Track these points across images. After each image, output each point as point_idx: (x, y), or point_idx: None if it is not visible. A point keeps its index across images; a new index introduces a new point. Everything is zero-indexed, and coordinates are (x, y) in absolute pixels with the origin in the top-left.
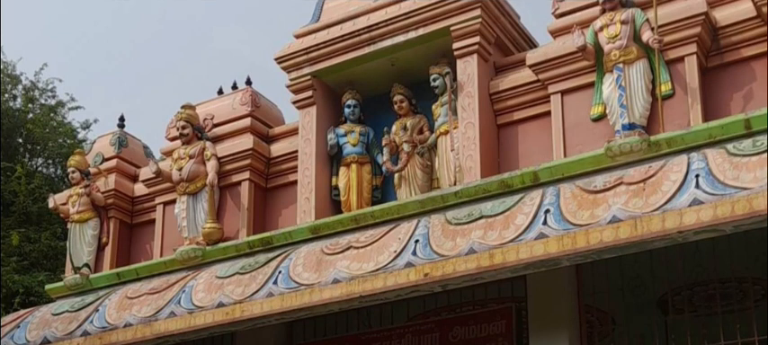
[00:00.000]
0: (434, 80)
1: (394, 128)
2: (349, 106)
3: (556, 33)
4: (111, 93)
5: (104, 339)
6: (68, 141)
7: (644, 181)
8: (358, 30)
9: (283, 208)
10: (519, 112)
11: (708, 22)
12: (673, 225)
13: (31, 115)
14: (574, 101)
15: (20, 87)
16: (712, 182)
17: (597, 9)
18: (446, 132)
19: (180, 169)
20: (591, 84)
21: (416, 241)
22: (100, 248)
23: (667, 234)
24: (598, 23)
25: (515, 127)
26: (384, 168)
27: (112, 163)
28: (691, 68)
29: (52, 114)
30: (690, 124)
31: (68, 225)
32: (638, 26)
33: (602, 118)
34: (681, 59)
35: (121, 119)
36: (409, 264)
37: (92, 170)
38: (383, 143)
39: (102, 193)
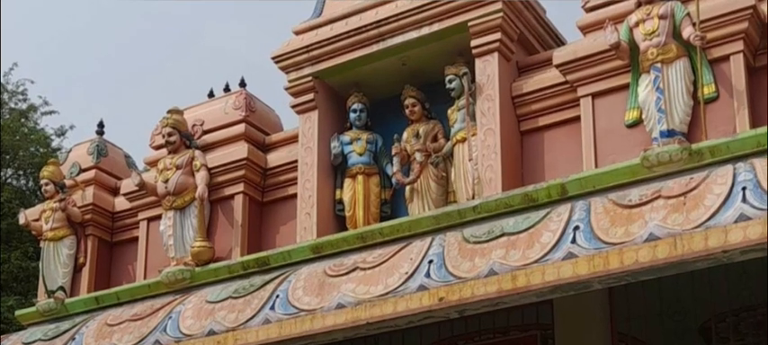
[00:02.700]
0: (450, 81)
1: (405, 134)
2: (355, 110)
3: (586, 29)
4: (90, 97)
5: None
6: (41, 150)
7: (684, 194)
8: (365, 26)
9: (281, 225)
10: (545, 117)
11: (756, 16)
12: (717, 243)
13: None
14: (606, 104)
15: None
16: (761, 196)
17: (632, 2)
18: (463, 139)
19: (166, 181)
20: (625, 86)
21: (430, 261)
22: (76, 269)
23: (711, 253)
24: (633, 18)
25: (541, 133)
26: (394, 180)
27: (90, 174)
28: (737, 68)
29: (23, 120)
30: (735, 130)
31: (41, 244)
32: (677, 21)
33: (637, 123)
34: (726, 58)
35: (101, 125)
36: (422, 287)
37: (67, 182)
38: (393, 152)
39: (79, 208)
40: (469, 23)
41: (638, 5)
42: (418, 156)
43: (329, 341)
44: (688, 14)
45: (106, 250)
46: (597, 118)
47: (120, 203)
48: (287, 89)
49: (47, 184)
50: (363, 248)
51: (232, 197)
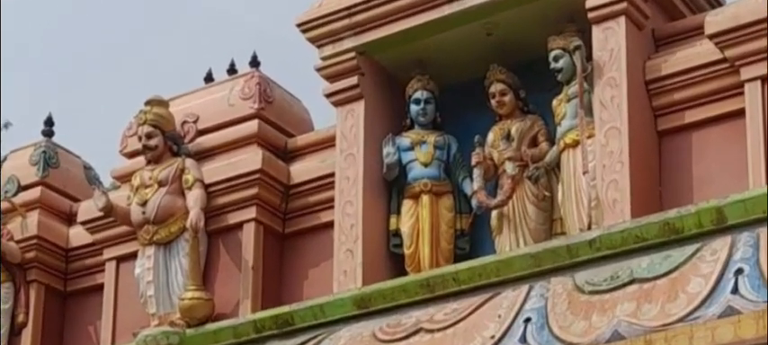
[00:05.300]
0: (556, 59)
1: (490, 136)
2: (418, 101)
3: None
4: (35, 83)
5: None
6: None
7: None
8: None
9: (311, 267)
10: (693, 111)
11: None
12: None
13: None
14: None
15: None
16: None
17: None
18: (575, 144)
19: (144, 203)
20: None
21: (527, 319)
22: (15, 331)
23: None
24: None
25: (687, 134)
26: (475, 201)
27: (34, 193)
28: None
29: None
30: None
31: None
32: None
33: None
34: None
35: (49, 122)
36: None
37: (1, 205)
38: (474, 161)
39: (19, 243)
40: None
41: None
42: (510, 167)
43: None
44: None
45: (57, 303)
46: None
47: (78, 236)
48: (319, 70)
49: None
50: (430, 300)
51: (240, 226)
